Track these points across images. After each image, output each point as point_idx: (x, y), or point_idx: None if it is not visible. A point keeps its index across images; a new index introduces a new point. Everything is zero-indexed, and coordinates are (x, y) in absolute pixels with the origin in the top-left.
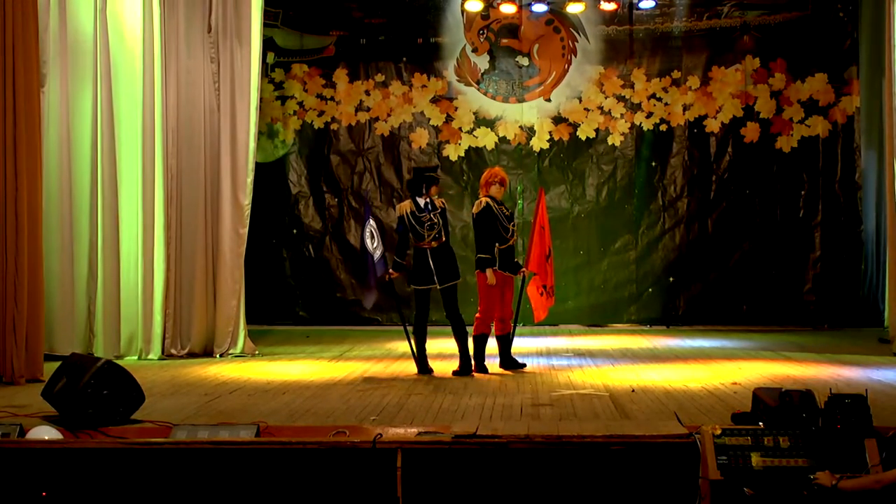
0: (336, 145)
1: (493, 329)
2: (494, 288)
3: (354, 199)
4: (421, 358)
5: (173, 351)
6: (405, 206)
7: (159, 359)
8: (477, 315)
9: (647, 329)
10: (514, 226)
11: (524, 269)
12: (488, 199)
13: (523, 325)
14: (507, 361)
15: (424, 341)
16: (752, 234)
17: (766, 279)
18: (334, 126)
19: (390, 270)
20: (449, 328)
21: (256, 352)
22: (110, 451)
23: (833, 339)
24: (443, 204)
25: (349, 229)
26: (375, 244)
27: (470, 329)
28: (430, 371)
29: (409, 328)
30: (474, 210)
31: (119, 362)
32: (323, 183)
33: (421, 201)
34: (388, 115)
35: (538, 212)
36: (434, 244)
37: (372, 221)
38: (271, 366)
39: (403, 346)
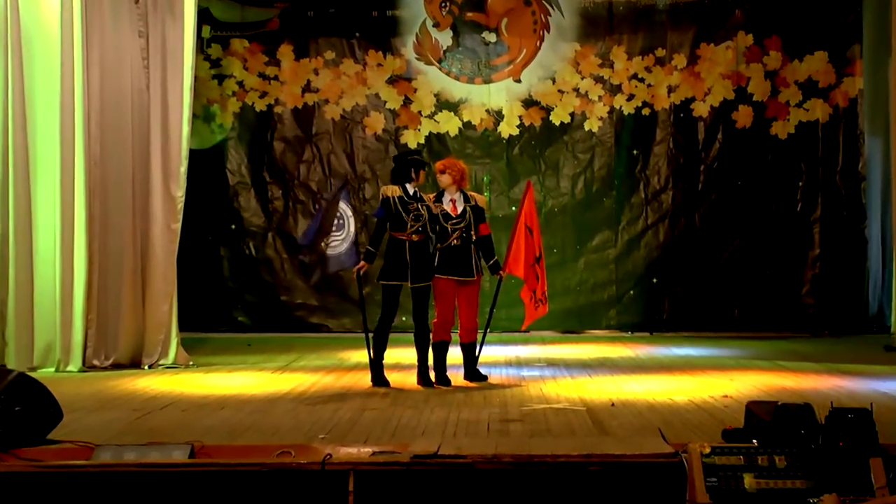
0: (280, 130)
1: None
2: (446, 292)
3: (301, 191)
4: (377, 367)
5: (96, 362)
6: (393, 189)
7: (80, 371)
8: (434, 321)
9: (627, 336)
10: (458, 224)
11: (501, 271)
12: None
13: (494, 332)
14: (471, 373)
15: (384, 348)
16: (744, 230)
17: (759, 280)
18: (278, 109)
19: (362, 262)
20: (408, 336)
21: (191, 362)
22: (24, 475)
23: (834, 346)
24: (430, 200)
25: (295, 224)
26: (343, 234)
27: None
28: (387, 383)
29: (371, 334)
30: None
31: (34, 375)
32: (266, 173)
33: (410, 188)
34: (340, 98)
35: (523, 208)
36: (415, 238)
37: (344, 205)
38: (208, 378)
39: (357, 356)
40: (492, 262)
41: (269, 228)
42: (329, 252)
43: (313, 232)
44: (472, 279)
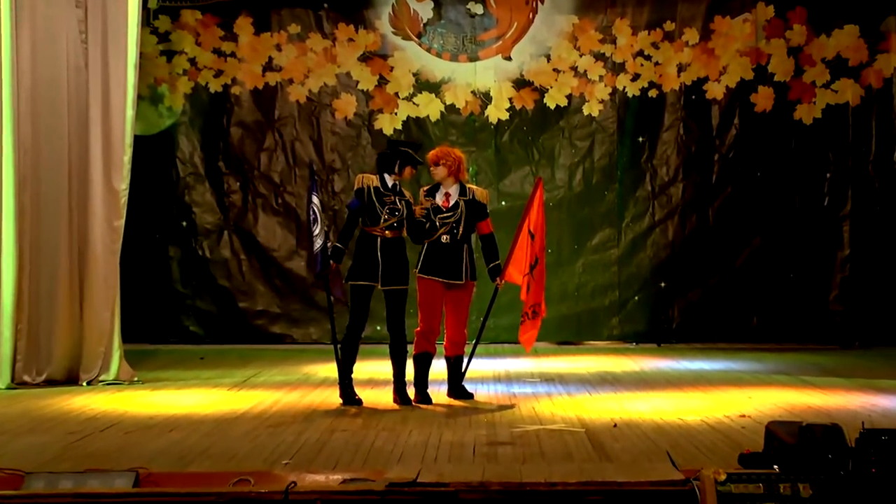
0: (238, 115)
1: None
2: (432, 296)
3: (261, 184)
4: (346, 383)
5: (27, 378)
6: (370, 178)
7: (8, 388)
8: (416, 329)
9: (632, 347)
10: (447, 218)
11: (499, 279)
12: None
13: (482, 343)
14: (456, 389)
15: (353, 360)
16: (764, 228)
17: (781, 285)
18: (236, 90)
19: (331, 262)
20: (383, 348)
21: (136, 378)
22: None
23: (865, 359)
24: (411, 197)
25: (255, 221)
26: (317, 230)
27: (411, 348)
28: (358, 401)
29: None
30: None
31: None
32: (221, 162)
33: (389, 180)
34: (306, 77)
35: (529, 208)
36: (388, 234)
37: (315, 200)
38: (155, 396)
39: (326, 370)
40: (492, 265)
41: (225, 226)
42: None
43: (317, 252)
44: (460, 283)
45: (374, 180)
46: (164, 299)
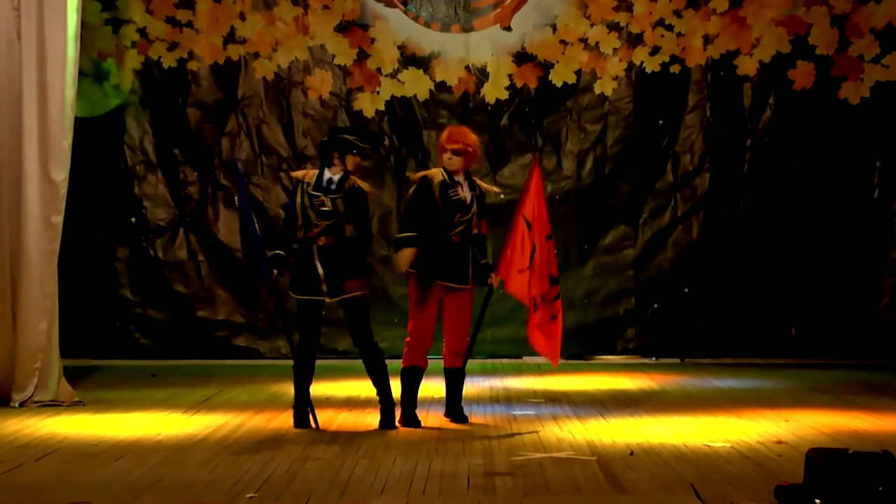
0: (196, 94)
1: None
2: (430, 301)
3: (223, 174)
4: (300, 404)
5: None
6: (306, 174)
7: None
8: (406, 339)
9: (651, 363)
10: (466, 216)
11: (493, 274)
12: (441, 171)
13: (477, 357)
14: (455, 409)
15: (308, 380)
16: (803, 225)
17: (824, 290)
18: (193, 65)
19: (273, 270)
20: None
21: (77, 399)
22: None
23: None
24: (354, 189)
25: (215, 217)
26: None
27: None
28: (311, 425)
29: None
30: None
31: None
32: (176, 149)
33: (328, 175)
34: (273, 51)
35: (525, 193)
36: (324, 241)
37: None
38: (99, 420)
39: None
40: (482, 262)
41: (181, 222)
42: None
43: (248, 229)
44: (465, 287)
45: (310, 175)
46: (110, 308)
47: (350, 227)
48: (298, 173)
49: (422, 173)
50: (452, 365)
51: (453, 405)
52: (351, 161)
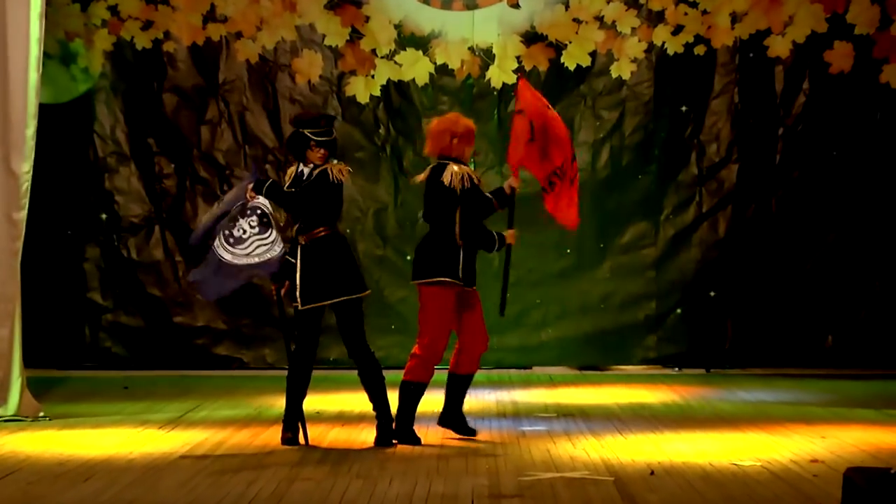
0: (173, 78)
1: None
2: (446, 307)
3: (202, 166)
4: (291, 418)
5: None
6: (287, 172)
7: None
8: (415, 350)
9: (673, 374)
10: None
11: (511, 179)
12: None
13: (483, 368)
14: (454, 418)
15: (301, 393)
16: (840, 222)
17: (862, 294)
18: (169, 47)
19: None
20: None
21: (41, 413)
22: None
23: None
24: (333, 174)
25: (194, 213)
26: (265, 234)
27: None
28: (300, 442)
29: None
30: (454, 181)
31: None
32: (151, 139)
33: (305, 170)
34: (258, 30)
35: (519, 100)
36: (302, 239)
37: (261, 200)
38: (66, 436)
39: (283, 403)
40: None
41: (157, 219)
42: (252, 261)
43: (203, 231)
44: (414, 281)
45: (290, 173)
46: (78, 313)
47: (325, 226)
48: (289, 170)
49: (464, 169)
50: (468, 371)
51: (456, 413)
52: (316, 156)
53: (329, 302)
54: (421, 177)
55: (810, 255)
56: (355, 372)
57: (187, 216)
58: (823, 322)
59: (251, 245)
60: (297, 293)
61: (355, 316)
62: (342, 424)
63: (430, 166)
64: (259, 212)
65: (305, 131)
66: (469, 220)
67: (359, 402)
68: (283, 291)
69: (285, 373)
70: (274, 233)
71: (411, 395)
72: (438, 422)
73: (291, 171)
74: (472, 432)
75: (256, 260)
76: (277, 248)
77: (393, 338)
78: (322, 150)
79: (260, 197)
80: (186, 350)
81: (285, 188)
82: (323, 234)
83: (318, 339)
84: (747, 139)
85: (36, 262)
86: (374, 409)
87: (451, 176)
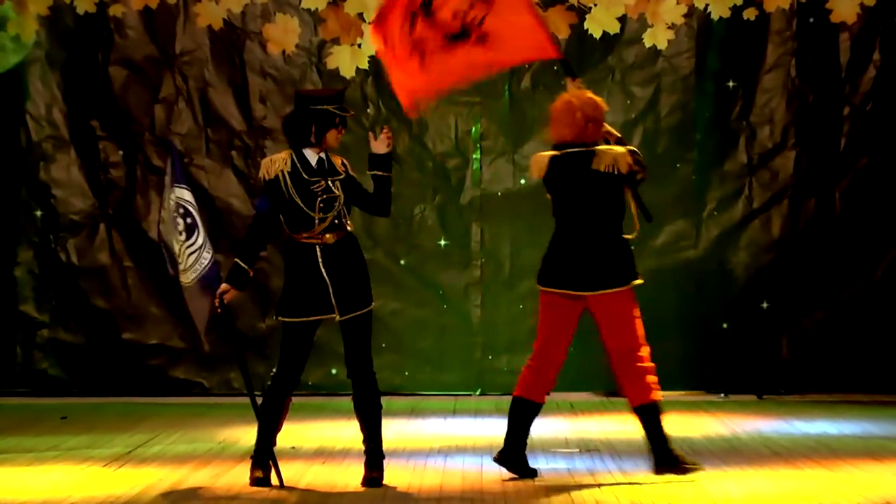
0: (121, 48)
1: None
2: (561, 317)
3: (156, 153)
4: (262, 453)
5: None
6: (279, 161)
7: None
8: (530, 362)
9: (718, 401)
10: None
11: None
12: None
13: (491, 394)
14: (516, 456)
15: (276, 424)
16: None
17: None
18: (117, 10)
19: (222, 287)
20: (340, 402)
21: None
22: None
23: None
24: (345, 167)
25: (147, 210)
26: (198, 239)
27: (470, 395)
28: (273, 482)
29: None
30: (619, 165)
31: None
32: (95, 120)
33: (311, 156)
34: None
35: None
36: (330, 237)
37: (180, 193)
38: None
39: (250, 435)
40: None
41: (102, 216)
42: (188, 278)
43: (205, 270)
44: (606, 290)
45: (285, 161)
46: (8, 329)
47: (347, 222)
48: (275, 157)
49: (625, 150)
50: (640, 402)
51: (517, 449)
52: (333, 137)
53: (361, 312)
54: (537, 171)
55: (881, 260)
56: (337, 399)
57: (138, 213)
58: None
59: (184, 258)
60: (333, 300)
61: (369, 329)
62: (323, 461)
63: (552, 156)
64: (182, 210)
65: (330, 107)
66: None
67: (342, 433)
68: (224, 299)
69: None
70: (202, 235)
71: (522, 412)
72: (496, 457)
73: (282, 158)
74: (532, 473)
75: (191, 277)
76: (207, 255)
77: (384, 358)
78: (342, 132)
79: (178, 188)
80: (137, 373)
81: (285, 175)
82: (349, 232)
83: (307, 357)
84: (806, 121)
85: None
86: (365, 440)
87: (614, 160)
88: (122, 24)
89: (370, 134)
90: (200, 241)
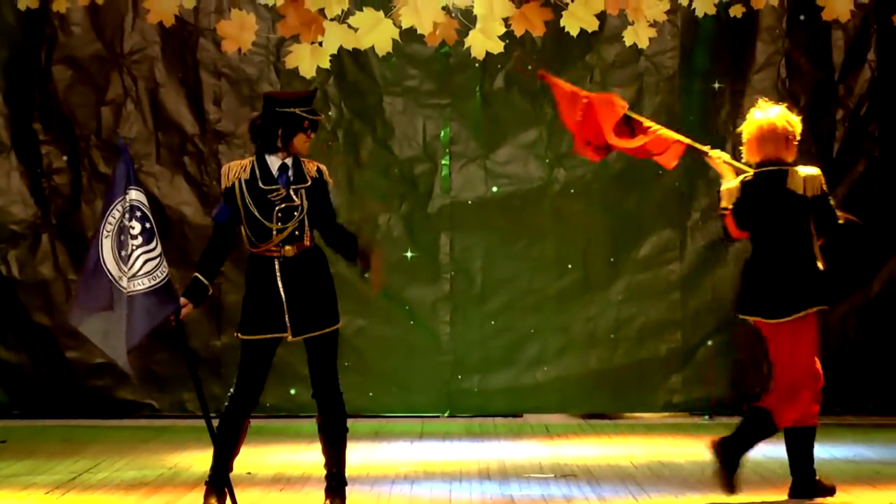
0: (65, 46)
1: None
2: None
3: (102, 158)
4: (218, 479)
5: None
6: (237, 168)
7: None
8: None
9: (705, 423)
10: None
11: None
12: None
13: (459, 416)
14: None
15: (233, 448)
16: None
17: None
18: (61, 6)
19: (182, 301)
20: (302, 424)
21: None
22: None
23: None
24: (319, 173)
25: (93, 218)
26: (153, 249)
27: (438, 417)
28: None
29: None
30: (808, 187)
31: None
32: (38, 123)
33: (274, 162)
34: None
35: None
36: (290, 250)
37: (136, 196)
38: None
39: (203, 460)
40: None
41: (44, 226)
42: (140, 286)
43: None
44: (784, 318)
45: (244, 168)
46: None
47: (310, 234)
48: (233, 164)
49: (816, 171)
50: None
51: (807, 475)
52: (302, 142)
53: (327, 331)
54: (728, 201)
55: (878, 274)
56: (297, 422)
57: (83, 223)
58: (890, 360)
59: (136, 262)
60: (287, 318)
61: (334, 348)
62: (281, 488)
63: (743, 180)
64: (139, 214)
65: (298, 110)
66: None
67: (302, 458)
68: (181, 315)
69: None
70: (159, 245)
71: (806, 441)
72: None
73: (241, 165)
74: (830, 491)
75: (147, 283)
76: (165, 268)
77: (348, 378)
78: (311, 136)
79: (133, 190)
80: (82, 394)
81: (242, 183)
82: (313, 244)
83: (266, 377)
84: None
85: None
86: (327, 465)
87: (805, 181)
88: (67, 20)
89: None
90: (160, 249)
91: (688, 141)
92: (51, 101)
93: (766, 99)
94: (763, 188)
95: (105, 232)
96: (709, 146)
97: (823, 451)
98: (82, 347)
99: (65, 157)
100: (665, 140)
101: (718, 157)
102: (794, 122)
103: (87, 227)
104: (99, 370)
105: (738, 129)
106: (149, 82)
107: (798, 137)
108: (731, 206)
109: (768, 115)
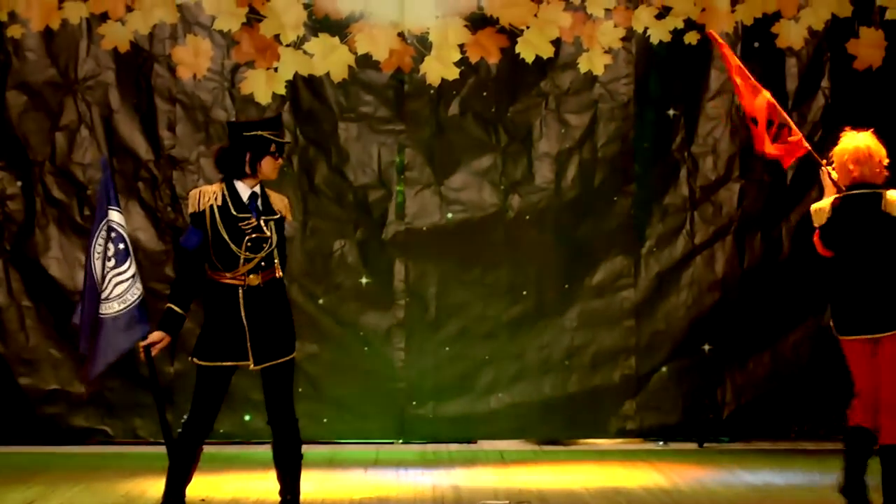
0: (19, 72)
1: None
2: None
3: (57, 184)
4: (170, 503)
5: None
6: (209, 193)
7: None
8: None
9: (657, 449)
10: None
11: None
12: None
13: (404, 443)
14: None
15: (187, 475)
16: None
17: None
18: (15, 31)
19: (156, 334)
20: (258, 452)
21: None
22: None
23: None
24: (283, 208)
25: (46, 245)
26: (127, 269)
27: (392, 444)
28: None
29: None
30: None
31: None
32: None
33: (244, 190)
34: (128, 11)
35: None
36: (254, 279)
37: (114, 217)
38: None
39: (158, 486)
40: None
41: None
42: (110, 310)
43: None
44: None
45: (215, 194)
46: None
47: (279, 266)
48: (205, 189)
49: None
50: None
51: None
52: (270, 166)
53: (282, 361)
54: (818, 220)
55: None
56: (251, 448)
57: (36, 249)
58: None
59: (108, 285)
60: (249, 346)
61: (290, 375)
62: None
63: (836, 198)
64: (114, 234)
65: (266, 133)
66: None
67: (256, 486)
68: (153, 349)
69: (160, 449)
70: (133, 265)
71: (857, 447)
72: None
73: (212, 190)
74: None
75: (116, 308)
76: (138, 290)
77: (301, 404)
78: (279, 161)
79: (113, 211)
80: (34, 421)
81: (214, 209)
82: (276, 279)
83: (221, 404)
84: (752, 152)
85: None
86: (282, 492)
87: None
88: (21, 45)
89: None
90: (133, 270)
91: (809, 147)
92: (4, 127)
93: (850, 128)
94: (856, 210)
95: (96, 254)
96: (824, 161)
97: (778, 478)
98: (35, 374)
99: (19, 183)
100: (798, 146)
101: (830, 175)
102: (882, 147)
103: (41, 253)
104: (52, 397)
105: (830, 154)
106: (103, 108)
107: (886, 161)
108: (818, 226)
109: (863, 138)
